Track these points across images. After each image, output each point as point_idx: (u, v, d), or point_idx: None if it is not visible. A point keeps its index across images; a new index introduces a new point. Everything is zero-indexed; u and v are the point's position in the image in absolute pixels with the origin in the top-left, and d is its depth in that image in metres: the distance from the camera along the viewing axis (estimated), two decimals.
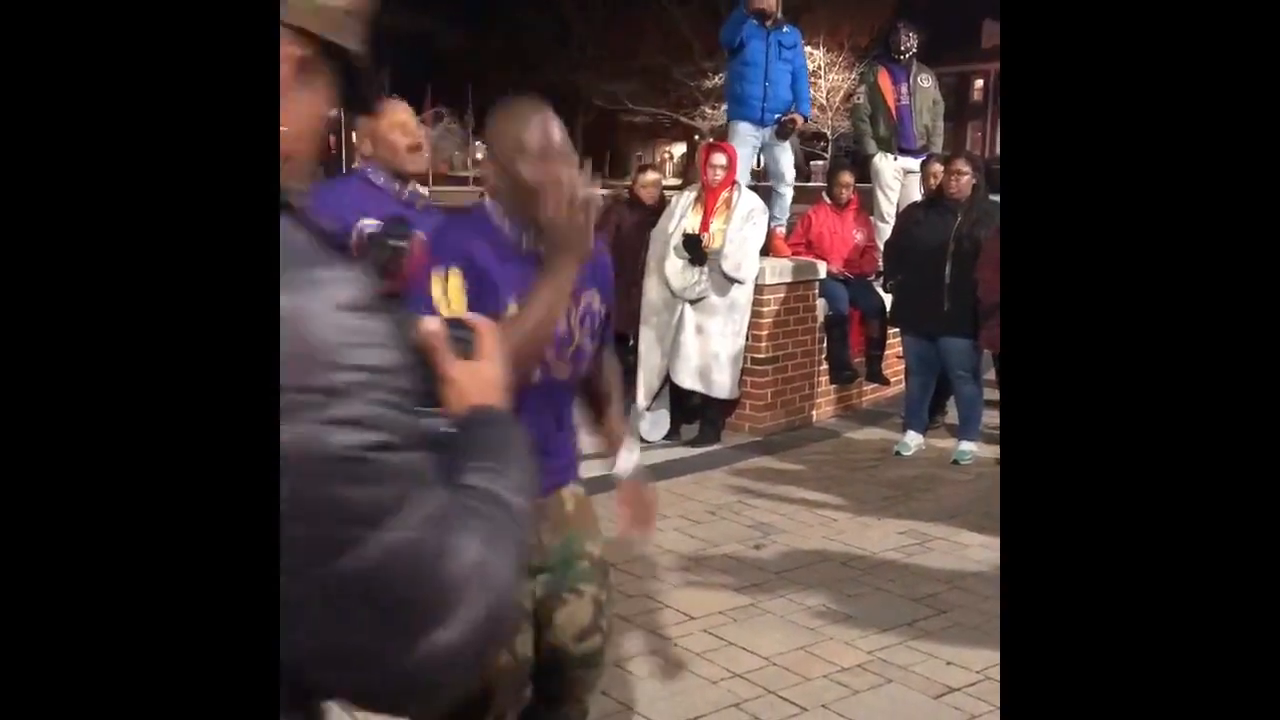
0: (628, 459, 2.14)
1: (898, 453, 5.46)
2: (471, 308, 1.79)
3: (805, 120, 6.71)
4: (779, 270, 5.83)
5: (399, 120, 2.76)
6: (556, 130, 1.88)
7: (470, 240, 1.89)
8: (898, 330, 6.01)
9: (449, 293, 1.84)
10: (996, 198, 5.60)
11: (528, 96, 1.95)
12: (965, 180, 5.24)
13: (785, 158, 6.48)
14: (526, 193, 1.84)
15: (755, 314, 5.72)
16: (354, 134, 2.81)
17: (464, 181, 25.03)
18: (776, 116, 6.27)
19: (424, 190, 2.82)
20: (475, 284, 1.83)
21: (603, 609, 2.08)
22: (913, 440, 5.52)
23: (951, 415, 5.76)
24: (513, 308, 1.83)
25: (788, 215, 6.58)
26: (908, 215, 5.66)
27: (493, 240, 1.90)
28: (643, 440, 5.55)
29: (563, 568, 2.03)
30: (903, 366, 6.16)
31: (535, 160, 1.84)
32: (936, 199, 5.41)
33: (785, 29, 6.33)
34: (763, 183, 6.60)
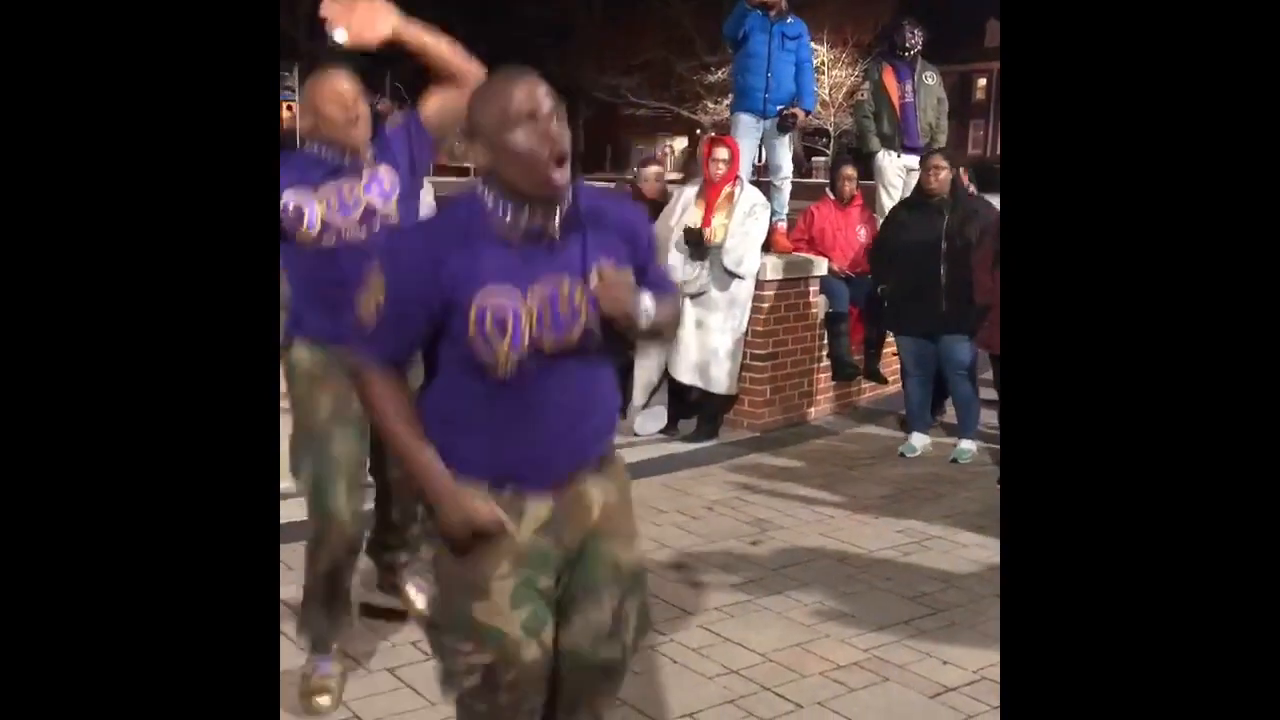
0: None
1: (902, 454, 5.44)
2: (443, 299, 1.77)
3: (808, 114, 6.67)
4: (778, 266, 5.81)
5: (336, 92, 2.67)
6: (542, 94, 1.78)
7: (434, 244, 1.82)
8: (889, 331, 6.01)
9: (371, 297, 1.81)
10: (993, 196, 5.59)
11: (510, 67, 1.84)
12: (944, 176, 5.26)
13: (784, 151, 6.45)
14: (518, 162, 1.77)
15: (754, 309, 5.70)
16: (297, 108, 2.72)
17: (465, 172, 24.97)
18: (779, 109, 6.23)
19: (369, 155, 2.72)
20: (445, 281, 1.78)
21: (624, 619, 1.98)
22: (919, 441, 5.50)
23: (949, 415, 5.75)
24: (490, 290, 1.79)
25: (787, 209, 6.56)
26: (893, 218, 5.64)
27: (473, 231, 1.81)
28: (637, 435, 5.54)
29: (584, 572, 1.95)
30: (899, 365, 6.15)
31: (523, 126, 1.76)
32: (919, 199, 5.40)
33: (789, 20, 6.28)
34: (762, 178, 6.57)
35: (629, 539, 2.01)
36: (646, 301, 1.87)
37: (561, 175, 1.78)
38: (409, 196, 2.79)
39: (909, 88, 6.70)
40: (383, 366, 1.86)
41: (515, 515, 1.88)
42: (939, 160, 5.35)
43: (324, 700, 2.78)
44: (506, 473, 1.88)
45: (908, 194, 6.61)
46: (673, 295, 2.02)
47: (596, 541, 1.95)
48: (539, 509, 1.90)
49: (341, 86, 2.68)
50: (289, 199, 2.64)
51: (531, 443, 1.87)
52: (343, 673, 2.88)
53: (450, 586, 1.93)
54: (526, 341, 1.80)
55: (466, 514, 1.84)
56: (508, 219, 1.81)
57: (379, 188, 2.71)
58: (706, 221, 5.49)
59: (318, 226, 2.66)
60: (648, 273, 1.94)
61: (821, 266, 6.05)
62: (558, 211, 1.83)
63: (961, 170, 5.88)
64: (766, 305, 5.76)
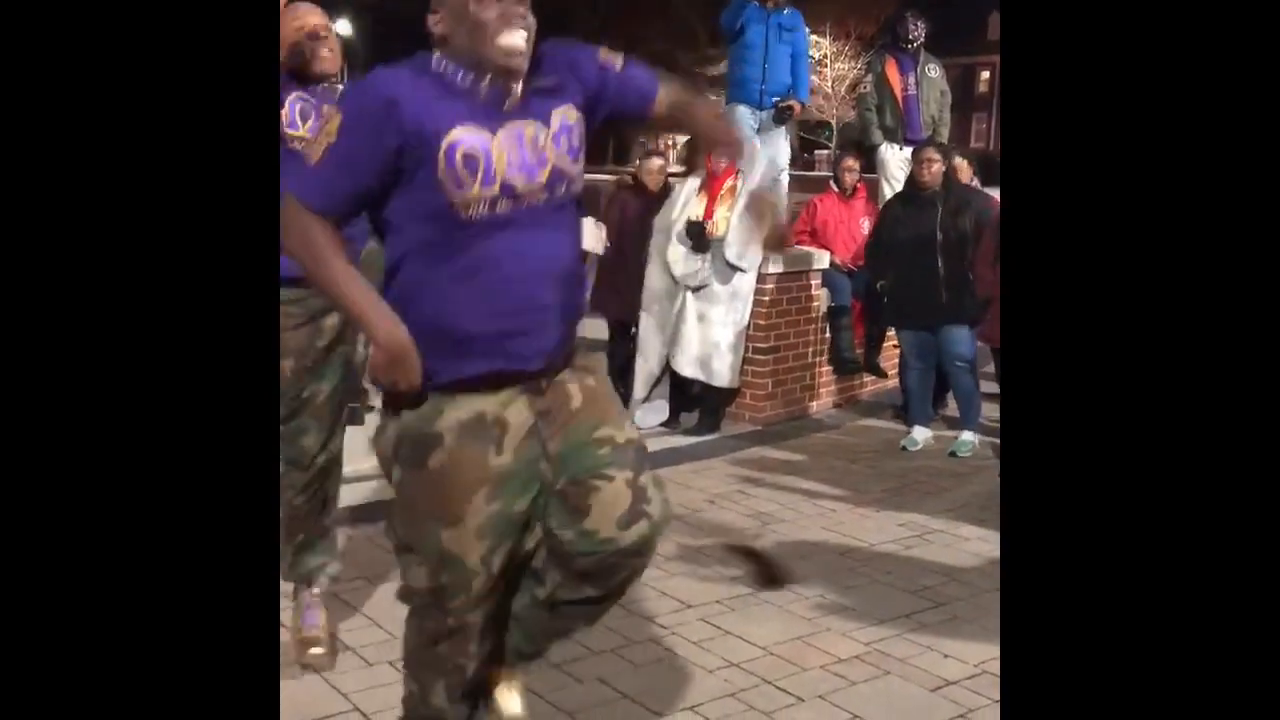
0: (759, 172, 2.03)
1: (904, 448, 5.43)
2: (401, 141, 1.78)
3: (803, 107, 6.66)
4: (778, 259, 5.80)
5: (307, 25, 2.71)
6: None
7: (397, 85, 1.82)
8: (890, 326, 6.00)
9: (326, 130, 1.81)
10: (995, 189, 5.58)
11: None
12: (936, 169, 5.25)
13: (781, 143, 6.44)
14: (477, 32, 1.80)
15: (756, 303, 5.69)
16: None
17: None
18: (775, 100, 6.22)
19: (340, 89, 2.79)
20: (408, 121, 1.78)
21: (643, 492, 1.95)
22: (920, 435, 5.49)
23: (951, 407, 5.74)
24: (457, 132, 1.79)
25: (786, 202, 6.54)
26: (887, 213, 5.64)
27: (429, 80, 1.84)
28: (638, 428, 5.52)
29: (580, 459, 1.91)
30: (898, 359, 6.14)
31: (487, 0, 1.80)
32: (912, 192, 5.40)
33: (786, 11, 6.27)
34: None
35: (617, 420, 1.98)
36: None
37: (517, 43, 1.81)
38: None
39: (912, 80, 6.68)
40: (320, 209, 1.82)
41: (496, 435, 1.88)
42: (932, 153, 5.34)
43: (318, 650, 2.86)
44: (484, 350, 1.85)
45: None
46: (662, 84, 2.03)
47: (584, 428, 1.93)
48: (520, 417, 1.89)
49: (310, 19, 2.73)
50: (294, 103, 2.69)
51: (507, 310, 1.85)
52: (330, 630, 2.95)
53: (420, 508, 1.92)
54: (498, 180, 1.81)
55: (404, 357, 1.81)
56: (468, 85, 1.84)
57: None
58: (708, 214, 5.48)
59: (305, 135, 2.67)
60: (611, 78, 1.97)
61: (823, 260, 6.03)
62: (519, 81, 1.85)
63: (966, 162, 5.87)
64: (768, 298, 5.75)
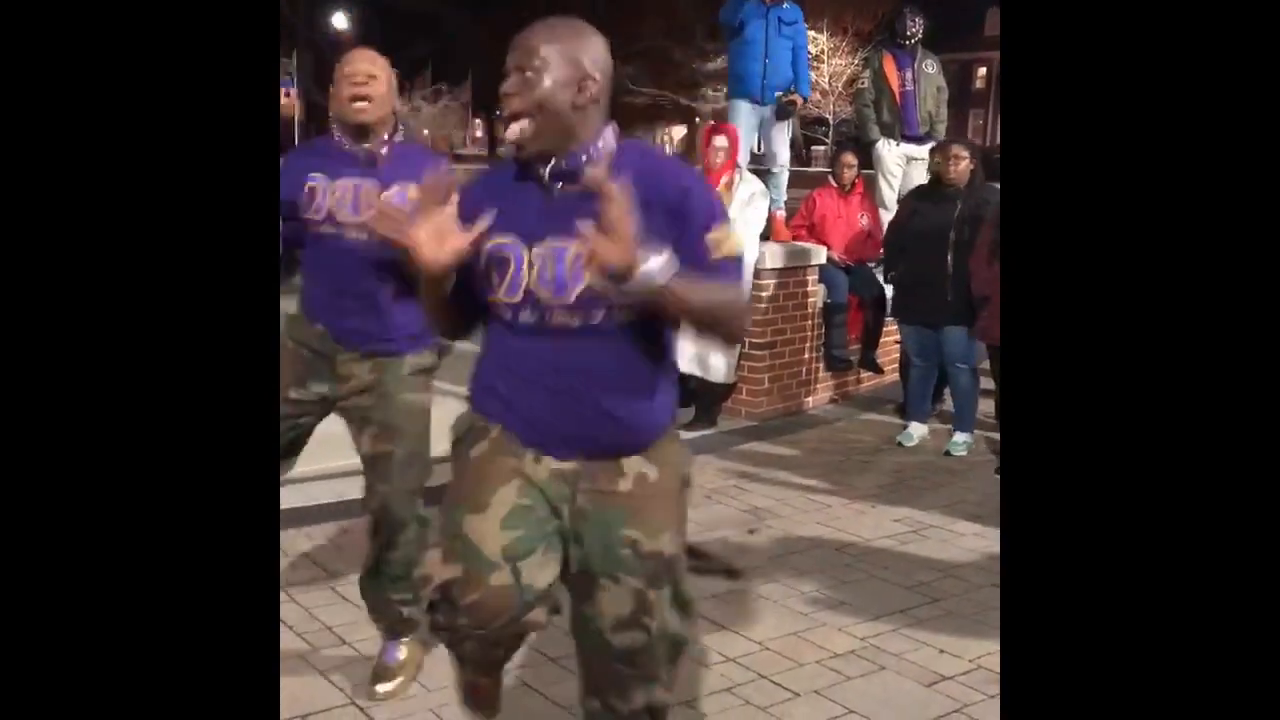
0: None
1: (900, 443, 5.44)
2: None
3: (805, 101, 6.67)
4: (777, 255, 5.80)
5: (347, 71, 2.67)
6: (522, 45, 1.83)
7: (471, 190, 1.92)
8: (894, 319, 6.00)
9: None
10: (996, 184, 5.58)
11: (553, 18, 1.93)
12: (964, 166, 5.20)
13: (781, 139, 6.44)
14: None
15: (753, 298, 5.69)
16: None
17: (463, 160, 24.92)
18: (777, 95, 6.23)
19: (383, 151, 2.70)
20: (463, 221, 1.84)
21: (649, 607, 1.89)
22: (916, 431, 5.50)
23: (949, 403, 5.75)
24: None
25: (785, 198, 6.55)
26: (906, 205, 5.62)
27: (498, 179, 1.91)
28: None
29: (600, 548, 1.89)
30: (897, 355, 6.14)
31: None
32: (934, 188, 5.37)
33: (785, 5, 6.28)
34: (760, 167, 6.56)
35: (657, 526, 1.90)
36: (654, 262, 1.67)
37: (510, 131, 1.81)
38: None
39: (909, 76, 6.69)
40: None
41: (534, 458, 1.91)
42: (959, 150, 5.27)
43: None
44: (516, 430, 1.92)
45: (907, 182, 6.61)
46: (726, 283, 1.83)
47: (616, 517, 1.88)
48: (560, 462, 1.91)
49: (356, 66, 2.67)
50: (312, 180, 2.69)
51: (532, 408, 1.89)
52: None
53: (453, 493, 1.95)
54: (523, 289, 1.83)
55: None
56: (518, 180, 1.89)
57: (400, 201, 2.63)
58: None
59: (323, 214, 2.67)
60: (683, 245, 1.77)
61: (820, 255, 6.04)
62: (547, 166, 1.84)
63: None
64: (765, 294, 5.75)
